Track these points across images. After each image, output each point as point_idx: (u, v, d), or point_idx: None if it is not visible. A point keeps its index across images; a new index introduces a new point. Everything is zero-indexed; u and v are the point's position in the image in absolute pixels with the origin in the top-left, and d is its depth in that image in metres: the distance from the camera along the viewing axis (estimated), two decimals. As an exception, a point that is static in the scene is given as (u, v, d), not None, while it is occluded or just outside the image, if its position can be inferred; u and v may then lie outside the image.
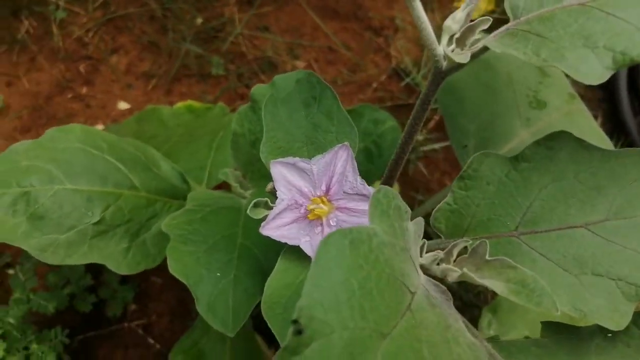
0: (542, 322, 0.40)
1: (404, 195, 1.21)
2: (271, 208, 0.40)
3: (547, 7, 0.35)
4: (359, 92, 1.36)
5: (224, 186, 0.70)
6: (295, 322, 0.23)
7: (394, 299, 0.28)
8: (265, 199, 0.41)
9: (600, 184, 0.38)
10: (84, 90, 1.33)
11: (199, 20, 1.43)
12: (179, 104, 0.98)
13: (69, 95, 1.32)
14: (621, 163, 0.38)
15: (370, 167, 0.78)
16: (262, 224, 0.40)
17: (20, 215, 0.53)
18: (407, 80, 1.35)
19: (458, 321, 0.32)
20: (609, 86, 1.18)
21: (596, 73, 0.31)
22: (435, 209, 0.40)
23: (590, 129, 0.66)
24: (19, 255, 1.01)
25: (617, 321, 0.36)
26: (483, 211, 0.39)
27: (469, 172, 0.39)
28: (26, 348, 0.83)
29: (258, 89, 0.61)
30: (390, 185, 0.57)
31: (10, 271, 1.04)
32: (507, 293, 0.32)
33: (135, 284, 1.05)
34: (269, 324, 0.38)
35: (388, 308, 0.27)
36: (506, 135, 0.60)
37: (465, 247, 0.36)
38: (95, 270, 1.01)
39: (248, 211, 0.40)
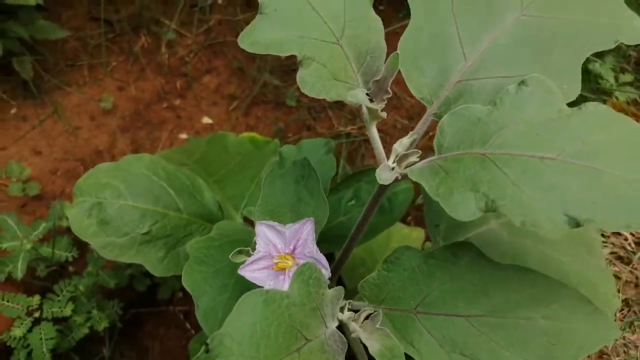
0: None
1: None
2: (250, 256, 0.55)
3: (461, 150, 0.47)
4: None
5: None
6: (207, 343, 0.38)
7: (286, 343, 0.41)
8: (248, 248, 0.56)
9: (487, 288, 0.48)
10: (177, 102, 1.56)
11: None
12: (245, 134, 1.15)
13: (164, 105, 1.55)
14: (509, 275, 0.49)
15: (380, 220, 0.90)
16: (241, 266, 0.55)
17: (92, 219, 0.72)
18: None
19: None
20: None
21: (469, 212, 0.43)
22: (362, 280, 0.53)
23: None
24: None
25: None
26: (396, 289, 0.51)
27: (392, 258, 0.51)
28: (89, 312, 1.04)
29: (287, 149, 0.77)
30: (351, 249, 0.68)
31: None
32: (377, 354, 0.44)
33: (184, 277, 1.24)
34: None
35: (279, 348, 0.41)
36: (477, 222, 0.71)
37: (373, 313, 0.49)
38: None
39: (230, 256, 0.55)
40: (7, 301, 0.98)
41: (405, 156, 0.49)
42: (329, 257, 1.14)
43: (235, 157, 1.07)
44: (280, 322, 0.42)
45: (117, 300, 1.10)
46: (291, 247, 0.55)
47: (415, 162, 0.50)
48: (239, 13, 1.69)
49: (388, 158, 0.51)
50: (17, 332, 0.97)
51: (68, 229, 1.19)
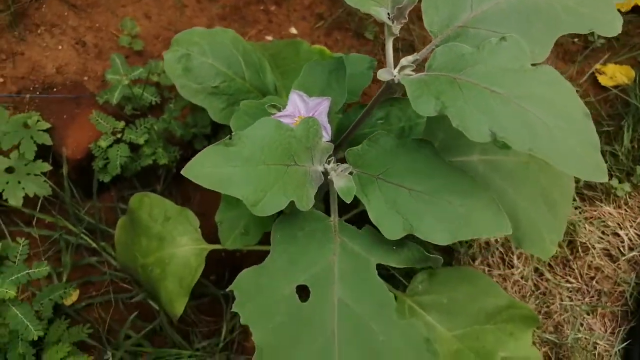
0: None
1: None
2: (280, 111, 0.77)
3: (442, 73, 0.66)
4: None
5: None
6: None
7: (281, 156, 0.62)
8: (280, 106, 0.77)
9: (432, 175, 0.68)
10: (272, 8, 1.76)
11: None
12: (317, 46, 1.35)
13: (261, 7, 1.76)
14: (451, 172, 0.68)
15: (398, 143, 1.09)
16: (272, 116, 0.76)
17: (180, 65, 0.95)
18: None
19: (312, 189, 0.66)
20: None
21: (427, 109, 0.62)
22: (349, 148, 0.73)
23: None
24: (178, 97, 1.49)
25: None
26: (370, 159, 0.68)
27: (374, 137, 0.71)
28: (155, 148, 1.31)
29: (337, 55, 0.96)
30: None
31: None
32: (339, 187, 0.65)
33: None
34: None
35: (275, 157, 0.62)
36: (463, 152, 0.89)
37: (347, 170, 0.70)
38: (215, 128, 1.46)
39: (266, 107, 0.77)
40: (101, 119, 1.26)
41: (404, 67, 0.67)
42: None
43: (301, 61, 1.27)
44: (282, 142, 0.63)
45: (178, 148, 1.36)
46: (310, 114, 0.76)
47: (411, 75, 0.68)
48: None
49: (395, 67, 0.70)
50: (102, 143, 1.25)
51: (157, 83, 1.45)
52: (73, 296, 1.31)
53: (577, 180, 1.48)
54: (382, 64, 1.67)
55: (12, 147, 1.28)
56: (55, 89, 1.56)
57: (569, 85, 0.63)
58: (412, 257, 0.70)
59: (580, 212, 1.50)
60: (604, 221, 1.50)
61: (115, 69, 1.27)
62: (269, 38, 1.71)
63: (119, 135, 1.27)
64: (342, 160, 0.74)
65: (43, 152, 1.32)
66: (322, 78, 0.79)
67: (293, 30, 1.73)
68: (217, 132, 1.46)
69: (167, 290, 1.07)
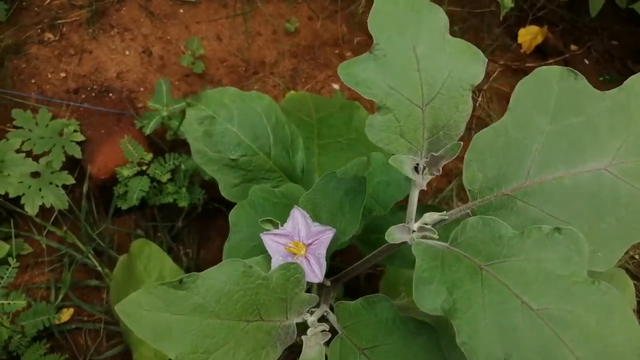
0: None
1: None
2: (277, 228, 0.64)
3: (467, 253, 0.50)
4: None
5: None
6: (182, 278, 0.48)
7: (242, 311, 0.50)
8: (278, 222, 0.64)
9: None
10: (348, 54, 1.64)
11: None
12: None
13: (336, 51, 1.64)
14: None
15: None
16: (265, 232, 0.64)
17: (202, 126, 0.85)
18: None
19: (274, 354, 0.53)
20: None
21: (431, 306, 0.47)
22: (340, 302, 0.59)
23: None
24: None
25: None
26: (360, 325, 0.56)
27: (372, 300, 0.57)
28: (179, 187, 1.22)
29: (376, 155, 0.83)
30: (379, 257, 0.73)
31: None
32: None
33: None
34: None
35: (233, 311, 0.50)
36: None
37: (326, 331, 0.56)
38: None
39: (260, 221, 0.64)
40: (131, 146, 1.19)
41: (423, 229, 0.53)
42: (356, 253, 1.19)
43: (351, 133, 1.14)
44: (246, 293, 0.51)
45: (205, 191, 1.27)
46: (309, 241, 0.63)
47: (429, 241, 0.54)
48: (446, 1, 1.69)
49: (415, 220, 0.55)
50: (125, 172, 1.18)
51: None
52: (65, 315, 1.25)
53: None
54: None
55: (43, 153, 1.24)
56: (111, 94, 1.52)
57: (630, 315, 0.46)
58: None
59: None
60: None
61: (159, 97, 1.20)
62: (336, 87, 1.59)
63: (144, 167, 1.19)
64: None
65: (70, 164, 1.27)
66: (336, 197, 0.65)
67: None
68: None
69: (142, 356, 0.97)
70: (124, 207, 1.23)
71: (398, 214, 0.89)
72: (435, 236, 0.53)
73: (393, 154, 0.53)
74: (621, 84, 0.53)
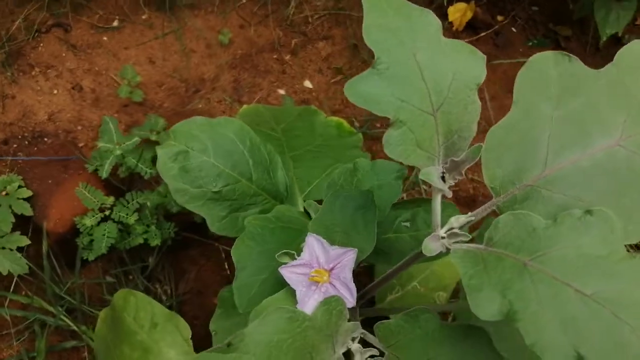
0: None
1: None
2: (294, 259, 0.62)
3: (507, 251, 0.50)
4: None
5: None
6: (230, 342, 0.45)
7: (294, 357, 0.48)
8: (294, 252, 0.62)
9: None
10: (287, 57, 1.62)
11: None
12: (333, 118, 1.20)
13: (274, 56, 1.61)
14: None
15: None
16: (283, 266, 0.61)
17: (176, 163, 0.80)
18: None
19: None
20: None
21: (490, 313, 0.46)
22: (380, 322, 0.58)
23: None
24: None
25: None
26: (406, 341, 0.55)
27: (412, 313, 0.56)
28: (148, 226, 1.16)
29: (361, 162, 0.81)
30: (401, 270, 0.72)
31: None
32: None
33: (238, 222, 1.34)
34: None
35: (293, 356, 0.47)
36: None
37: (376, 356, 0.54)
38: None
39: (276, 255, 0.61)
40: (88, 193, 1.12)
41: (454, 234, 0.52)
42: (369, 270, 1.19)
43: (317, 139, 1.12)
44: (295, 339, 0.48)
45: (174, 223, 1.22)
46: (330, 266, 0.61)
47: (463, 246, 0.53)
48: (373, -10, 1.70)
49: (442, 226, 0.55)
50: (88, 222, 1.10)
51: (156, 143, 1.30)
52: (46, 384, 1.16)
53: None
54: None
55: (-13, 216, 1.14)
56: (46, 139, 1.42)
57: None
58: None
59: None
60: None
61: (109, 136, 1.13)
62: (281, 92, 1.57)
63: (107, 212, 1.12)
64: (364, 325, 0.59)
65: (21, 223, 1.18)
66: (346, 215, 0.64)
67: (307, 84, 1.59)
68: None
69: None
70: (91, 258, 1.15)
71: (389, 216, 0.88)
72: (468, 238, 0.53)
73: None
74: (548, 47, 0.55)
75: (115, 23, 1.62)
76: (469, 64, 0.53)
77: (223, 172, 0.82)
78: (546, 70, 0.54)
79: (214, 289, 1.32)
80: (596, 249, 0.49)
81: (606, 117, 0.53)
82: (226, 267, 1.33)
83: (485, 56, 0.53)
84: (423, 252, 0.51)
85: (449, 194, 0.52)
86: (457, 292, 1.26)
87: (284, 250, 0.62)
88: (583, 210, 0.50)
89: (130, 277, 1.28)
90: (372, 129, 1.51)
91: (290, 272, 0.62)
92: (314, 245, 0.61)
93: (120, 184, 1.26)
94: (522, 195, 0.53)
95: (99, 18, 1.62)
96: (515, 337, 0.66)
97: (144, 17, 1.63)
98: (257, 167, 0.85)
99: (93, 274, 1.27)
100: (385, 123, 1.54)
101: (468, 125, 0.53)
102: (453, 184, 0.53)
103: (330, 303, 0.51)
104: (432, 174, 0.50)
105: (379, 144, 1.50)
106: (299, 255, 0.62)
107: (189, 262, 1.33)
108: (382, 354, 0.56)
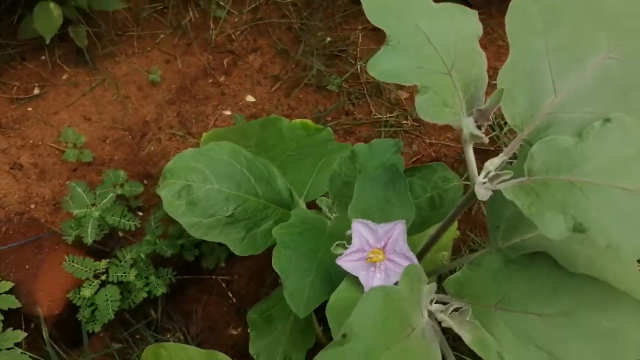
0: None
1: (462, 232, 1.39)
2: (346, 249, 0.63)
3: (549, 175, 0.55)
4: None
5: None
6: (344, 333, 0.46)
7: (399, 330, 0.49)
8: (344, 242, 0.64)
9: (558, 291, 0.57)
10: (222, 78, 1.61)
11: (328, 39, 1.66)
12: (297, 120, 1.21)
13: (210, 81, 1.60)
14: (576, 281, 0.57)
15: (430, 215, 0.98)
16: (339, 257, 0.62)
17: (182, 200, 0.79)
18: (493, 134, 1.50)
19: (438, 350, 0.53)
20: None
21: (559, 231, 0.50)
22: (448, 278, 0.61)
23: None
24: (152, 206, 1.31)
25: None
26: (478, 287, 0.59)
27: (476, 261, 0.59)
28: (147, 277, 1.13)
29: (359, 147, 0.84)
30: (448, 226, 0.76)
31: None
32: (470, 343, 0.53)
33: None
34: (328, 320, 0.61)
35: (393, 335, 0.49)
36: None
37: (459, 308, 0.57)
38: (203, 230, 1.29)
39: (332, 249, 0.63)
40: (77, 264, 1.06)
41: (497, 176, 0.56)
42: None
43: (290, 143, 1.14)
44: (393, 313, 0.50)
45: (171, 268, 1.18)
46: (382, 244, 0.63)
47: (506, 180, 0.57)
48: (284, -6, 1.73)
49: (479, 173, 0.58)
50: (86, 292, 1.05)
51: (122, 196, 1.26)
52: None
53: None
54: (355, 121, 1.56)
55: (-27, 322, 1.06)
56: (3, 229, 1.33)
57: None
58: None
59: None
60: None
61: (81, 201, 1.08)
62: (228, 113, 1.56)
63: (103, 277, 1.07)
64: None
65: (11, 317, 1.10)
66: (378, 194, 0.66)
67: (250, 98, 1.59)
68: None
69: None
70: (97, 328, 1.10)
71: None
72: (510, 176, 0.57)
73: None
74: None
75: (36, 91, 1.55)
76: (464, 21, 0.57)
77: (230, 195, 0.82)
78: (527, 9, 0.58)
79: (225, 321, 1.29)
80: (623, 151, 0.54)
81: (591, 37, 0.59)
82: (230, 295, 1.31)
83: (476, 11, 0.57)
84: (477, 197, 0.54)
85: (486, 140, 0.56)
86: (458, 249, 1.32)
87: (338, 242, 0.63)
88: (602, 120, 0.55)
89: (138, 336, 1.24)
90: (326, 124, 1.54)
91: (346, 262, 0.63)
92: (360, 230, 0.63)
93: (102, 246, 1.21)
94: (544, 124, 0.58)
95: (17, 90, 1.54)
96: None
97: (64, 77, 1.57)
98: (259, 181, 0.85)
99: (99, 345, 1.21)
100: (334, 115, 1.57)
101: (479, 75, 0.57)
102: (483, 130, 0.56)
103: (410, 272, 0.53)
104: (470, 124, 0.54)
105: (342, 135, 1.54)
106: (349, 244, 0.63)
107: (193, 302, 1.30)
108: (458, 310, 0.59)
